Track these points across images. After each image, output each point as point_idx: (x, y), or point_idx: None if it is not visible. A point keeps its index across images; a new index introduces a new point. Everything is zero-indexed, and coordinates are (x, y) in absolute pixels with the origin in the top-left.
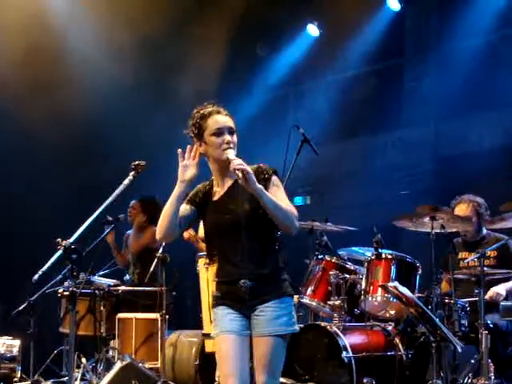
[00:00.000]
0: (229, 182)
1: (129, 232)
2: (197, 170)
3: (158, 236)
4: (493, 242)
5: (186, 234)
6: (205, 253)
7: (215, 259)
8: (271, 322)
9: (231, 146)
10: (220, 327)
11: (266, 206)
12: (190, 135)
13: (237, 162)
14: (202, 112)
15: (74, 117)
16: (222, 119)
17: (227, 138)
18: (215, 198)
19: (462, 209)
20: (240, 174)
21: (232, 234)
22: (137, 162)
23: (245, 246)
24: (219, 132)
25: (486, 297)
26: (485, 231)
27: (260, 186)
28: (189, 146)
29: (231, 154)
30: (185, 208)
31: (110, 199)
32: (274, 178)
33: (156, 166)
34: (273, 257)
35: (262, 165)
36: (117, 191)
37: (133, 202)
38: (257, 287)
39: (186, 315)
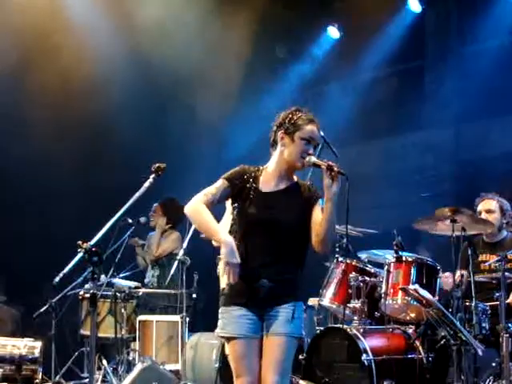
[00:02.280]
0: (284, 183)
1: (151, 234)
2: None
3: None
4: None
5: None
6: None
7: None
8: (287, 323)
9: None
10: (233, 329)
11: (327, 218)
12: (277, 124)
13: (336, 166)
14: (304, 115)
15: (88, 117)
16: (317, 132)
17: (311, 150)
18: (264, 189)
19: (487, 203)
20: (334, 178)
21: (271, 232)
22: (157, 165)
23: (280, 249)
24: (309, 141)
25: (509, 301)
26: (505, 232)
27: None
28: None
29: (314, 158)
30: (222, 186)
31: (131, 202)
32: (320, 201)
33: (172, 167)
34: (299, 266)
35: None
36: (137, 194)
37: (155, 205)
38: (276, 289)
39: (208, 317)
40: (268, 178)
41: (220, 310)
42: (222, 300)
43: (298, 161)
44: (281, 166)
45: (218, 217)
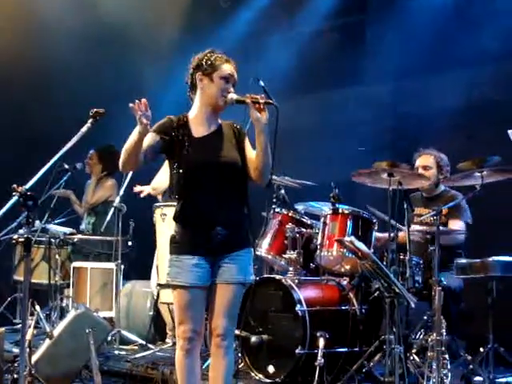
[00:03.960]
0: (214, 126)
1: (89, 181)
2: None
3: (120, 168)
4: (449, 199)
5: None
6: (161, 203)
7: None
8: (240, 271)
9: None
10: (186, 279)
11: (263, 150)
12: (193, 66)
13: (261, 97)
14: (220, 55)
15: (32, 64)
16: (234, 70)
17: (231, 88)
18: (197, 134)
19: (424, 159)
20: (262, 110)
21: (214, 175)
22: (95, 110)
23: (226, 192)
24: (228, 79)
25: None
26: (443, 187)
27: None
28: (143, 101)
29: (235, 95)
30: (152, 138)
31: (68, 146)
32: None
33: (115, 114)
34: (244, 207)
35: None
36: (74, 138)
37: (90, 151)
38: (230, 236)
39: (141, 266)
40: (197, 123)
41: (171, 258)
42: (172, 248)
43: (219, 100)
44: (205, 108)
45: None
